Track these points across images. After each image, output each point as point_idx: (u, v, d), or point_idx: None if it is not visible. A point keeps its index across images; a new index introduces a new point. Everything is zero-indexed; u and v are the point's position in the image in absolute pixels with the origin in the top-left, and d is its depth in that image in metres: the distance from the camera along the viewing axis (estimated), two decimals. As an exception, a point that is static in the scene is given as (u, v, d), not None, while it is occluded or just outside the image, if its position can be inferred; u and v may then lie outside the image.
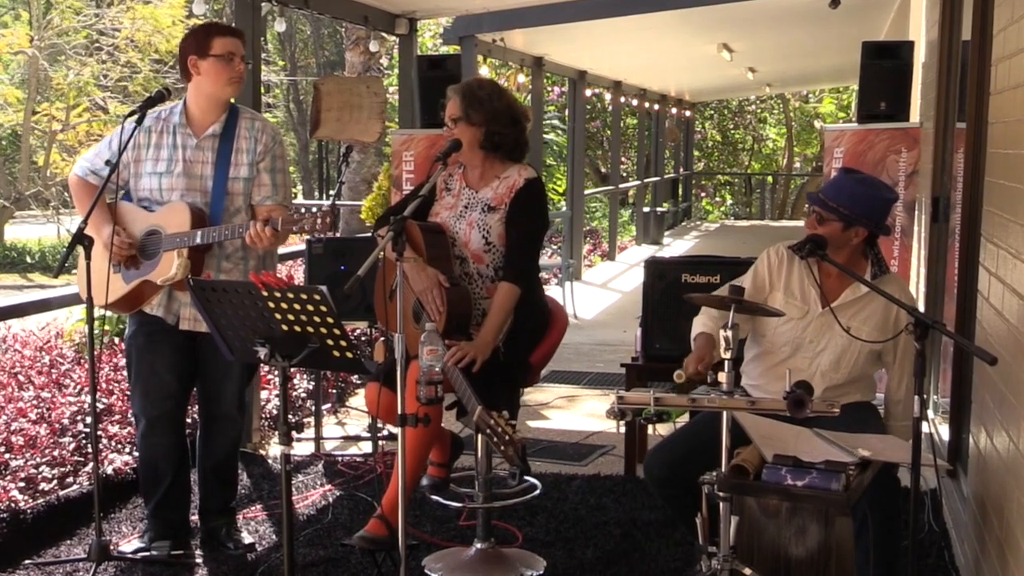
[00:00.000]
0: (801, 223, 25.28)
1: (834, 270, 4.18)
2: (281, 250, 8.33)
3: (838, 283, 4.26)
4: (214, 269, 4.72)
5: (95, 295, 4.69)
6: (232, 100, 4.89)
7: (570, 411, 7.80)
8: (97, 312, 4.92)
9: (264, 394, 6.89)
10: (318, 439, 6.80)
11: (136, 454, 5.68)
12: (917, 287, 7.27)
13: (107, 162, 4.73)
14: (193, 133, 4.77)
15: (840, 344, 4.20)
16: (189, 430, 5.26)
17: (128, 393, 6.13)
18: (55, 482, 5.46)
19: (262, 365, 4.98)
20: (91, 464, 5.16)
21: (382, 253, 4.07)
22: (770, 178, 32.26)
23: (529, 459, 6.23)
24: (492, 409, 3.93)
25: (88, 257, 4.48)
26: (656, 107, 22.05)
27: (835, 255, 4.11)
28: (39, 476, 5.42)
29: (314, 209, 4.38)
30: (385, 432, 6.60)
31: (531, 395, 7.92)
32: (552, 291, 11.87)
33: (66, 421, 5.92)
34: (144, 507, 5.11)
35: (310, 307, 3.66)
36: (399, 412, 3.91)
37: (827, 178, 6.88)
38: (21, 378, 6.66)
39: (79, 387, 6.44)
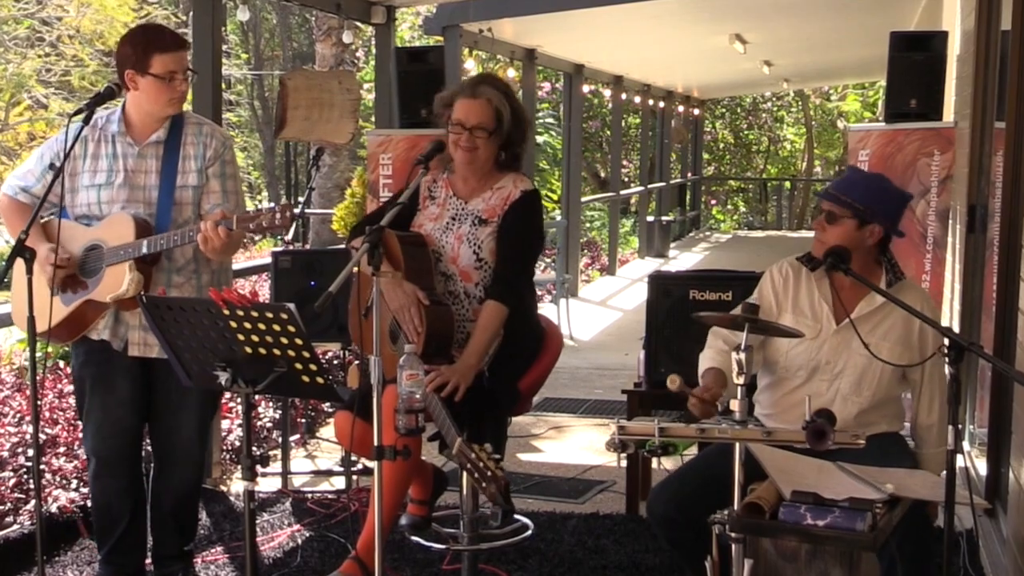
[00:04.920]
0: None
1: (846, 281, 4.20)
2: (245, 264, 8.31)
3: (851, 295, 4.27)
4: (164, 284, 4.68)
5: (35, 319, 4.62)
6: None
7: (565, 443, 7.80)
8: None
9: (226, 424, 6.89)
10: (285, 474, 6.79)
11: (84, 490, 5.67)
12: (951, 304, 7.29)
13: (51, 165, 4.70)
14: (134, 141, 4.74)
15: (860, 363, 4.21)
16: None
17: (74, 423, 6.13)
18: (-9, 522, 5.46)
19: (224, 393, 4.97)
20: (33, 502, 5.15)
21: (356, 267, 4.07)
22: (788, 184, 32.34)
23: (521, 496, 6.26)
24: (475, 441, 3.93)
25: (29, 271, 4.43)
26: (661, 105, 22.10)
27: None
28: (-27, 516, 5.42)
29: (271, 204, 4.36)
30: (360, 466, 6.59)
31: (521, 425, 7.92)
32: (546, 309, 11.88)
33: (5, 454, 5.90)
34: (96, 551, 5.09)
35: (276, 327, 3.66)
36: (375, 444, 3.91)
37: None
38: (-47, 406, 6.65)
39: (19, 416, 6.42)
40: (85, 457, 5.01)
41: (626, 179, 25.74)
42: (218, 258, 4.72)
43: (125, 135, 4.74)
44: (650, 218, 20.89)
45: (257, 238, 18.48)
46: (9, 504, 5.60)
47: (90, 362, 4.81)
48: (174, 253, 4.70)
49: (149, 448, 5.08)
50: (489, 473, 3.79)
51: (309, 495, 6.44)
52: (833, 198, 4.20)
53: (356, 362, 6.70)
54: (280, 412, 7.15)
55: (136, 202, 4.68)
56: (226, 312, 3.69)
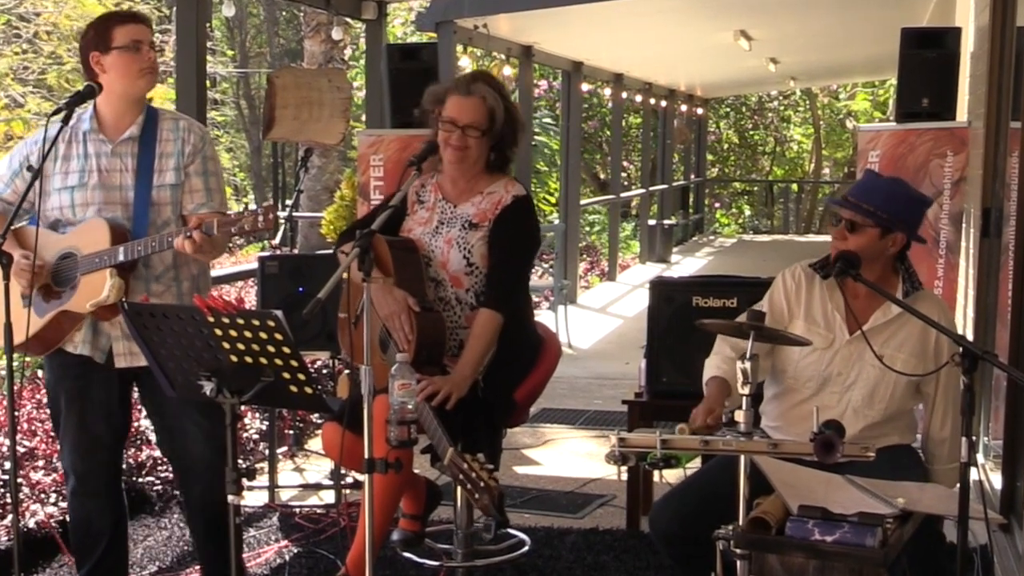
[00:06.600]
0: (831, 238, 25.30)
1: (861, 290, 4.20)
2: (231, 269, 8.29)
3: (865, 304, 4.27)
4: (142, 292, 4.64)
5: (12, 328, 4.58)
6: (149, 97, 4.81)
7: (564, 455, 7.80)
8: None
9: (210, 436, 6.87)
10: (272, 487, 6.79)
11: (63, 505, 5.66)
12: (965, 311, 7.29)
13: (28, 167, 4.66)
14: (107, 138, 4.68)
15: (873, 375, 4.21)
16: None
17: (53, 435, 6.11)
18: (-34, 538, 5.45)
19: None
20: (10, 517, 5.14)
21: (346, 273, 4.07)
22: (795, 186, 32.29)
23: (517, 510, 6.25)
24: (468, 452, 3.93)
25: (6, 277, 4.40)
26: (663, 104, 22.10)
27: (864, 271, 4.12)
28: (-52, 531, 5.41)
29: (253, 206, 4.33)
30: (350, 479, 6.59)
31: (518, 437, 7.92)
32: (543, 316, 11.88)
33: (-21, 467, 5.91)
34: (76, 570, 5.06)
35: (263, 335, 3.66)
36: (365, 456, 3.91)
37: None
38: (-73, 418, 6.64)
39: (-5, 428, 6.43)
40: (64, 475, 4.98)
41: (626, 181, 25.74)
42: (203, 259, 4.70)
43: (97, 132, 4.67)
44: (652, 222, 20.87)
45: (241, 242, 18.45)
46: (-15, 519, 5.60)
47: (66, 376, 4.74)
48: (152, 260, 4.63)
49: (131, 462, 5.06)
50: (482, 483, 3.78)
51: (297, 509, 6.44)
52: (854, 206, 4.16)
53: (346, 371, 6.70)
54: (267, 423, 7.15)
55: (111, 204, 4.62)
56: (211, 319, 3.69)
